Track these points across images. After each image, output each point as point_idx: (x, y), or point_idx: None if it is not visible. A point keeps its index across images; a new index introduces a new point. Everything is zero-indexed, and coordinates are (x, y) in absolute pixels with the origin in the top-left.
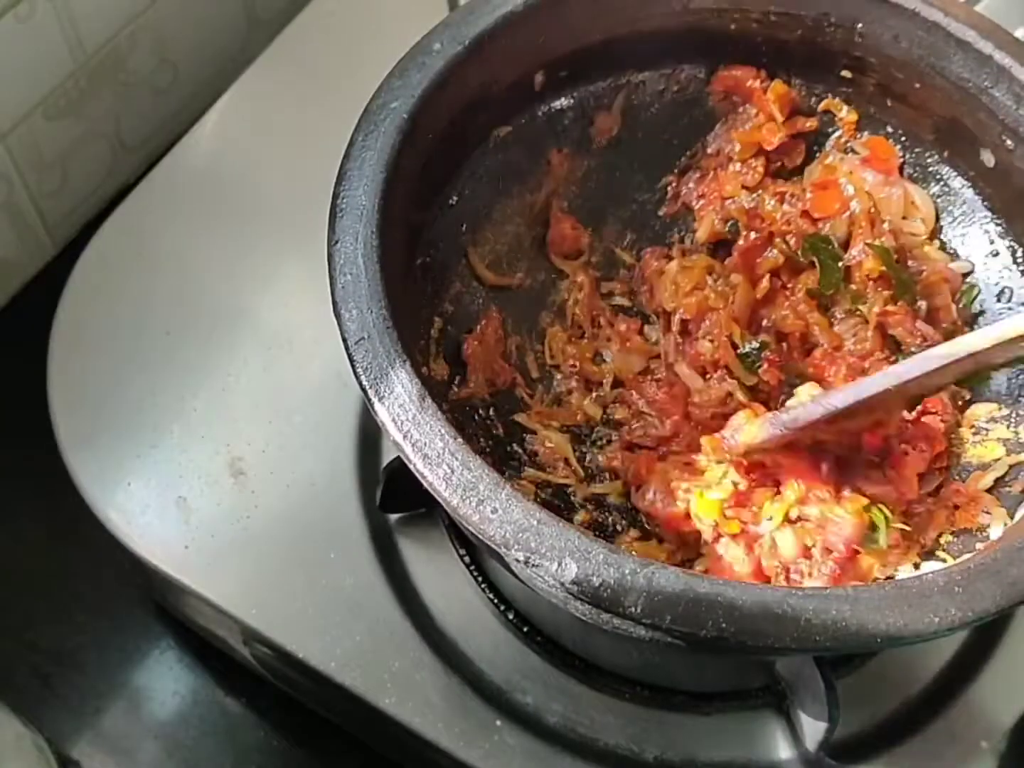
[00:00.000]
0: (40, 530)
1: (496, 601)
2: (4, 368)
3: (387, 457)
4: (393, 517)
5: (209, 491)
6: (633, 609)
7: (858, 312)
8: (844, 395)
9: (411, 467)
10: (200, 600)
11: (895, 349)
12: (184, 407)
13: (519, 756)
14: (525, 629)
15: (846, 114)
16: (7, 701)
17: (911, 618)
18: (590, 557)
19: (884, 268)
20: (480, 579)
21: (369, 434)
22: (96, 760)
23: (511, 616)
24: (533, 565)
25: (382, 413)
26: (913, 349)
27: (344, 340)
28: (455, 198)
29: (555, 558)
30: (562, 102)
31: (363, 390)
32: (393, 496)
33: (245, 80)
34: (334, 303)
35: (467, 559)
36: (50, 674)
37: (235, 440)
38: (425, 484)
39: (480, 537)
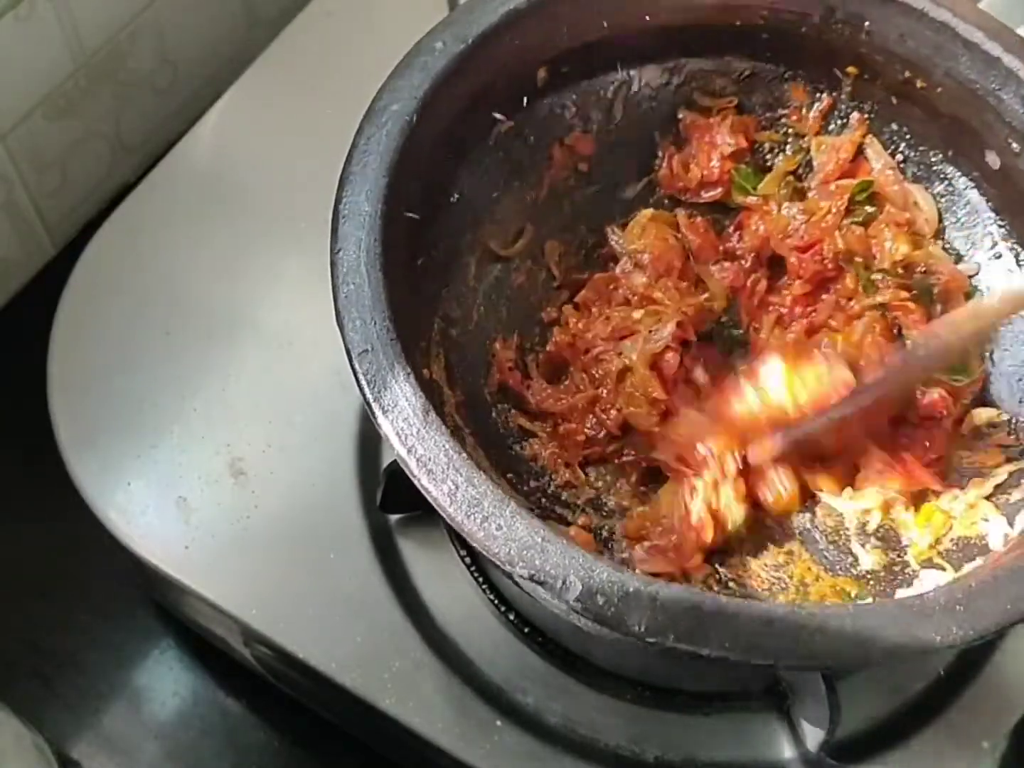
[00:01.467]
0: (40, 530)
1: (496, 602)
2: (4, 368)
3: (387, 458)
4: (393, 517)
5: (209, 491)
6: (637, 627)
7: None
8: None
9: (416, 483)
10: (200, 600)
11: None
12: (184, 407)
13: (519, 756)
14: (526, 630)
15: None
16: (7, 701)
17: (912, 636)
18: (594, 575)
19: (913, 252)
20: (480, 579)
21: (369, 435)
22: (96, 760)
23: (511, 617)
24: (537, 582)
25: (386, 427)
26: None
27: (347, 351)
28: (456, 196)
29: (559, 576)
30: (564, 97)
31: (367, 403)
32: (393, 496)
33: (245, 80)
34: (337, 313)
35: (467, 559)
36: (50, 674)
37: (235, 440)
38: (429, 499)
39: (485, 554)
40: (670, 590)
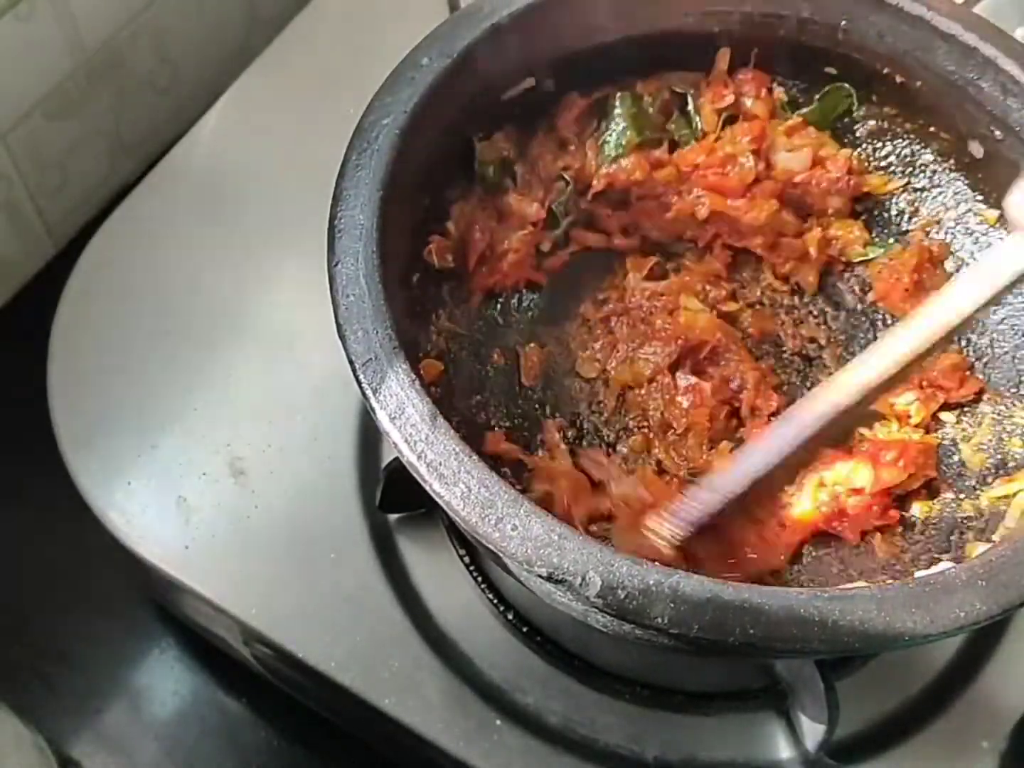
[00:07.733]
0: (40, 529)
1: (496, 601)
2: (4, 368)
3: (387, 457)
4: (393, 517)
5: (209, 491)
6: (660, 620)
7: None
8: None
9: (427, 488)
10: (200, 600)
11: None
12: (184, 407)
13: (519, 756)
14: (525, 629)
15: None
16: (7, 701)
17: (937, 615)
18: (613, 569)
19: None
20: (480, 579)
21: (369, 434)
22: (96, 760)
23: (511, 616)
24: (556, 580)
25: (394, 434)
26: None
27: (351, 362)
28: (450, 208)
29: (578, 572)
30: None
31: (372, 412)
32: (393, 496)
33: (245, 80)
34: (338, 325)
35: (467, 559)
36: (50, 674)
37: (235, 440)
38: (442, 504)
39: (501, 556)
40: (691, 580)
